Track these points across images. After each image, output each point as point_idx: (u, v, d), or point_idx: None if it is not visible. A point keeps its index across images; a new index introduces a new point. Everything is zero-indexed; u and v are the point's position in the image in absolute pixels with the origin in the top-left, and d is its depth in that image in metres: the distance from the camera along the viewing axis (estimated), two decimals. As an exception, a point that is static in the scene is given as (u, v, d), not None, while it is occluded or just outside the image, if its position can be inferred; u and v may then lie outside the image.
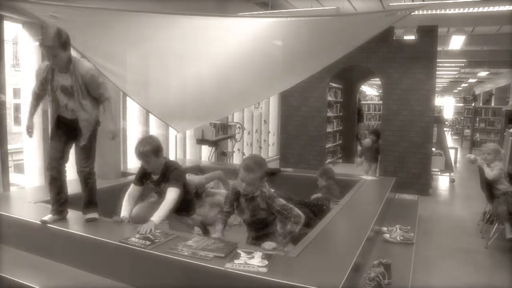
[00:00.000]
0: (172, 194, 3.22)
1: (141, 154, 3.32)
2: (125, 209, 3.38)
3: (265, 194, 2.93)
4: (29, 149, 4.89)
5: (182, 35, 3.98)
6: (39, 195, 3.91)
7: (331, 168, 5.39)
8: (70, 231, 2.97)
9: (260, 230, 3.03)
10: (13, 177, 5.36)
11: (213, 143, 6.96)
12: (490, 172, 4.79)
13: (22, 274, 2.77)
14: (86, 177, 3.19)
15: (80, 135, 3.09)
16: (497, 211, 4.67)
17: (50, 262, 2.95)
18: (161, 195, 3.43)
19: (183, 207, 3.57)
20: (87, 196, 3.23)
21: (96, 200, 3.27)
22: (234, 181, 3.31)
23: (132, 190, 3.51)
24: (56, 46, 2.79)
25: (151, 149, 3.30)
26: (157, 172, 3.46)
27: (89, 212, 3.20)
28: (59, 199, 3.15)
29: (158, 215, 3.07)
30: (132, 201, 3.47)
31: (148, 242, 2.68)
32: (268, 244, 2.70)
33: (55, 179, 3.13)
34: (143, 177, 3.52)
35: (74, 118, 3.08)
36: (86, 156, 3.15)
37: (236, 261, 2.40)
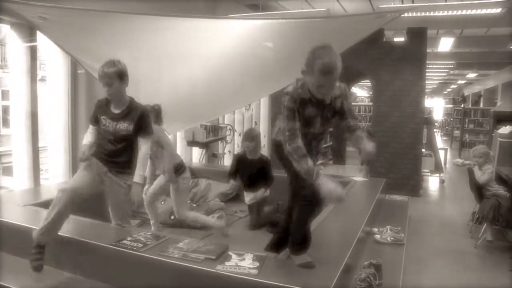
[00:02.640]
0: (147, 147, 3.10)
1: (105, 74, 2.95)
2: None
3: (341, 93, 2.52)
4: (18, 151, 4.82)
5: (172, 37, 3.96)
6: (28, 198, 3.87)
7: None
8: (61, 234, 2.94)
9: (320, 144, 2.67)
10: (1, 179, 5.29)
11: (204, 145, 6.94)
12: (482, 177, 4.84)
13: (11, 278, 2.73)
14: None
15: None
16: (483, 212, 4.74)
17: (39, 265, 2.91)
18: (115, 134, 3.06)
19: (126, 162, 3.11)
20: None
21: None
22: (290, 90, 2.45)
23: (91, 132, 3.13)
24: None
25: (116, 70, 2.97)
26: (119, 105, 3.09)
27: None
28: None
29: (139, 174, 3.02)
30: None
31: (140, 245, 2.67)
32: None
33: None
34: (98, 111, 3.11)
35: None
36: None
37: (227, 263, 2.40)
